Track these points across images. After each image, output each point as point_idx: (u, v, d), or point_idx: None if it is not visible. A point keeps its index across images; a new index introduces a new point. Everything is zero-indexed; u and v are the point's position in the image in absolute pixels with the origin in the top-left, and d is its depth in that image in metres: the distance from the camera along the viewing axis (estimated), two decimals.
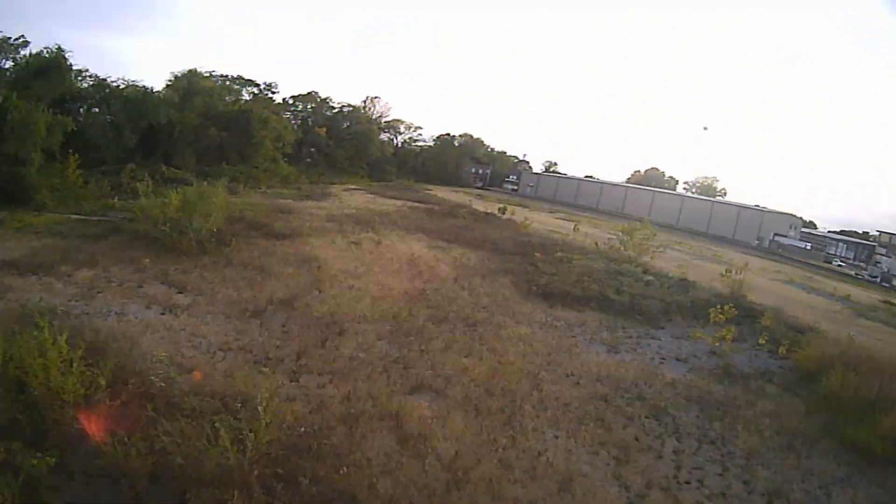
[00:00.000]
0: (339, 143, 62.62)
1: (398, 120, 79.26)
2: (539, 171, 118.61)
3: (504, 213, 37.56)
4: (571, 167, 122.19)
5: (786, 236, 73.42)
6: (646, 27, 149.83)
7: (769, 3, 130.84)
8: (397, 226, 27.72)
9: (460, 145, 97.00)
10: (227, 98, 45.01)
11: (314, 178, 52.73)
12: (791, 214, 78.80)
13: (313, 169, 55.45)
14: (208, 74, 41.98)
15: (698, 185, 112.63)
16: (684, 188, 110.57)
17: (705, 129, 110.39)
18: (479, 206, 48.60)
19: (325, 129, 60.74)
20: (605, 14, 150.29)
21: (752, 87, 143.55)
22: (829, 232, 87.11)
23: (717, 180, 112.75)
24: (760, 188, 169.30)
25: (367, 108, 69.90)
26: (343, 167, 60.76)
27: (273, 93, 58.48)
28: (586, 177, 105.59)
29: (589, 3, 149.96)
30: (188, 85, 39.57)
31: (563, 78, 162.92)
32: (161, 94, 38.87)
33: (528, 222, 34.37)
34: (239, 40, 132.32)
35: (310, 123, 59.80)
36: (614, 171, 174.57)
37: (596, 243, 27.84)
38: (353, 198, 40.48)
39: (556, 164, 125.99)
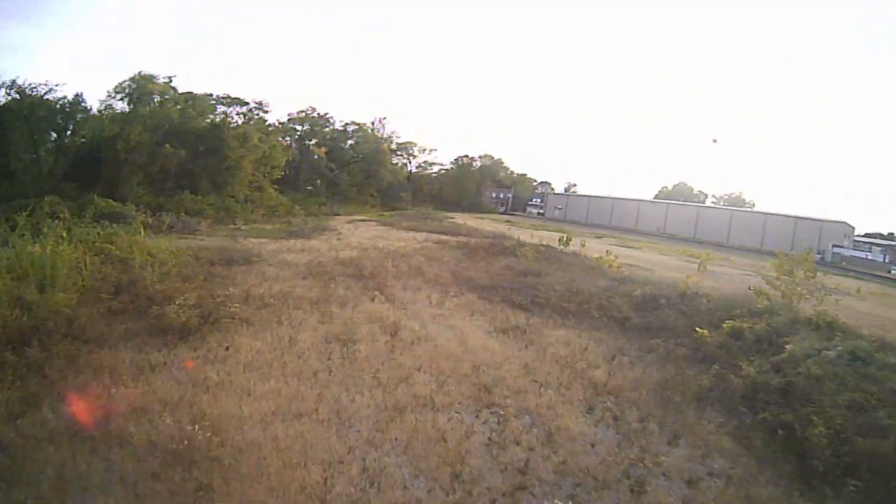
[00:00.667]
0: (343, 166, 51.54)
1: (411, 142, 68.30)
2: (566, 192, 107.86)
3: (567, 245, 25.62)
4: (589, 187, 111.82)
5: (842, 246, 64.08)
6: (646, 32, 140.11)
7: (780, 5, 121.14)
8: (424, 278, 15.98)
9: (480, 167, 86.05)
10: (207, 116, 34.05)
11: (314, 208, 41.55)
12: (844, 222, 68.49)
13: (313, 198, 44.27)
14: (167, 80, 31.28)
15: (725, 198, 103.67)
16: (712, 202, 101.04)
17: (714, 141, 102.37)
18: (520, 234, 37.07)
19: (324, 150, 49.69)
20: (607, 23, 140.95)
21: (747, 93, 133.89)
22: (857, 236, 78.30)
23: (744, 192, 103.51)
24: (773, 196, 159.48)
25: (375, 129, 59.02)
26: (350, 195, 49.45)
27: (265, 111, 47.80)
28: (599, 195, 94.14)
29: (591, 15, 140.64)
30: (135, 92, 28.81)
31: (570, 95, 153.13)
32: (87, 106, 28.11)
33: (610, 258, 22.41)
34: (229, 58, 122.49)
35: (307, 144, 48.89)
36: (632, 188, 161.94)
37: (754, 290, 15.60)
38: (358, 232, 29.01)
39: (575, 185, 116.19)
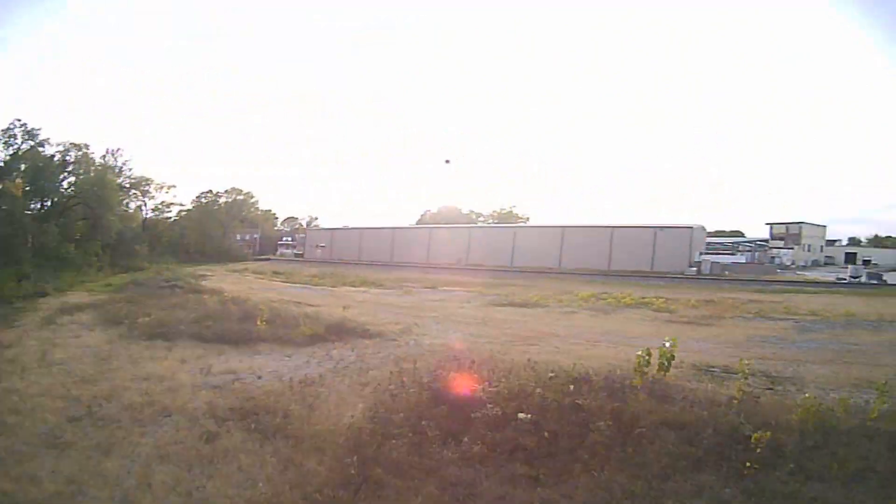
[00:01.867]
0: (51, 213, 36.54)
1: (146, 178, 53.79)
2: (314, 226, 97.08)
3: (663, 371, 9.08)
4: (330, 221, 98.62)
5: (715, 252, 58.37)
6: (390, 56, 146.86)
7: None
8: None
9: (226, 205, 74.71)
10: None
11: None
12: (702, 227, 59.04)
13: (3, 270, 29.53)
14: None
15: (496, 215, 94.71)
16: (482, 222, 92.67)
17: (447, 161, 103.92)
18: (352, 310, 18.51)
19: (20, 185, 34.12)
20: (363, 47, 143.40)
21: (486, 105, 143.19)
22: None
23: (515, 207, 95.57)
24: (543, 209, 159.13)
25: (106, 161, 44.08)
26: (66, 256, 35.02)
27: None
28: (376, 227, 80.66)
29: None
30: None
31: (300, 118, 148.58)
32: None
33: None
34: None
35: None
36: (380, 218, 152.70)
37: None
38: None
39: (317, 218, 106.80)
